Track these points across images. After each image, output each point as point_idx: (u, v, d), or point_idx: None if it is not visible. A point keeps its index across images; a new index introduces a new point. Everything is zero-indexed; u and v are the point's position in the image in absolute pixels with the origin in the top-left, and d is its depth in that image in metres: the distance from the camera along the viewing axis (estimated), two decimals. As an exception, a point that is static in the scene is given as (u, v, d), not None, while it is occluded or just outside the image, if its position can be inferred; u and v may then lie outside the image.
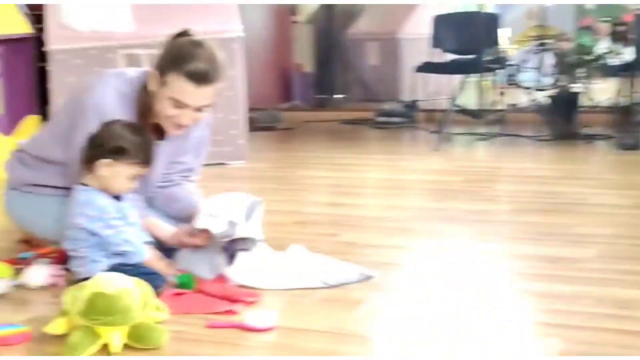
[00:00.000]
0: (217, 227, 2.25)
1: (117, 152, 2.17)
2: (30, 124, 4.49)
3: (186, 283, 2.23)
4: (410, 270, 2.45)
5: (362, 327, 1.93)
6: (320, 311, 2.06)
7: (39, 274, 2.31)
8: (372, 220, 3.16)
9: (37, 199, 2.57)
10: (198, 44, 2.27)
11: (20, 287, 2.30)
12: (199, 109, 2.29)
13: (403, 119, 6.56)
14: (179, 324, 1.96)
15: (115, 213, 2.20)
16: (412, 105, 6.47)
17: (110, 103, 2.31)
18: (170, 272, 2.24)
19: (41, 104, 4.62)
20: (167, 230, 2.40)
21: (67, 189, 2.44)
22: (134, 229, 2.25)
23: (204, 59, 2.24)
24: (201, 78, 2.23)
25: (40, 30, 4.56)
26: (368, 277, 2.31)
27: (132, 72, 2.42)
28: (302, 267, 2.35)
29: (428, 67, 6.23)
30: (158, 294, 2.07)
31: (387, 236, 2.87)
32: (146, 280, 2.00)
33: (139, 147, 2.19)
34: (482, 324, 1.96)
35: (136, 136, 2.20)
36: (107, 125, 2.22)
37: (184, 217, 2.48)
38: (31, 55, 4.62)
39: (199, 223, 2.29)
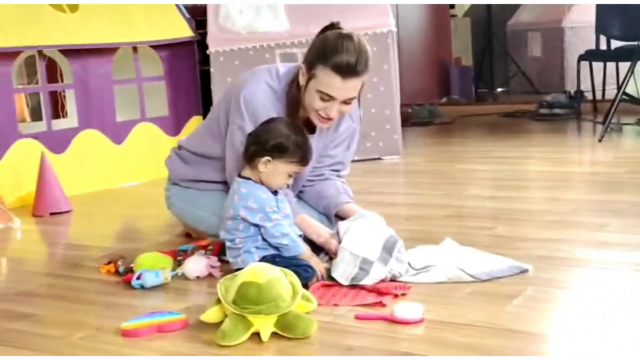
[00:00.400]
0: (348, 270, 2.19)
1: (278, 150, 2.21)
2: (194, 125, 4.68)
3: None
4: (568, 264, 2.33)
5: (514, 321, 1.85)
6: (471, 304, 2.00)
7: (197, 265, 2.40)
8: (531, 213, 3.04)
9: (196, 193, 2.68)
10: (345, 37, 2.27)
11: (180, 277, 2.40)
12: (345, 102, 2.29)
13: (567, 110, 6.29)
14: (329, 314, 1.97)
15: (274, 207, 2.25)
16: (576, 96, 6.18)
17: (262, 98, 2.37)
18: (321, 268, 2.26)
19: (205, 105, 4.81)
20: (316, 229, 2.41)
21: (224, 183, 2.53)
22: (288, 222, 2.28)
23: (351, 51, 2.24)
24: (347, 71, 2.23)
25: (201, 34, 4.76)
26: (523, 271, 2.22)
27: (283, 67, 2.47)
28: (453, 261, 2.30)
29: (593, 56, 5.96)
30: (307, 286, 2.10)
31: (546, 229, 2.76)
32: (296, 271, 2.02)
33: (298, 146, 2.23)
34: (646, 320, 1.83)
35: (297, 135, 2.24)
36: (269, 123, 2.27)
37: (329, 215, 2.50)
38: (194, 58, 4.83)
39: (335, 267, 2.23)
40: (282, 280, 1.91)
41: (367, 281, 2.15)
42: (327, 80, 2.25)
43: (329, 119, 2.34)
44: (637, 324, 1.81)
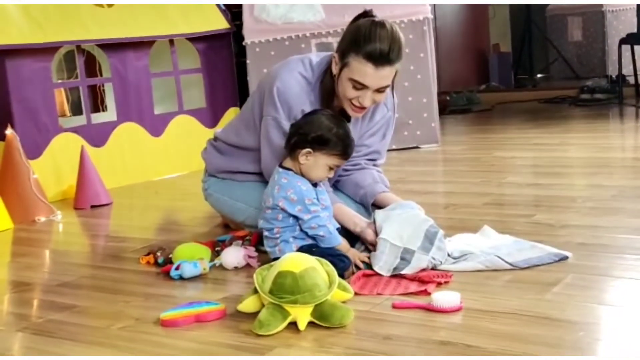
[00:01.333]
0: (389, 262, 2.18)
1: (319, 143, 2.20)
2: (231, 117, 4.69)
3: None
4: (609, 251, 2.28)
5: (554, 309, 1.83)
6: (510, 292, 1.98)
7: (235, 255, 2.41)
8: (571, 200, 3.00)
9: (233, 184, 2.69)
10: (378, 24, 2.25)
11: (218, 267, 2.41)
12: (378, 90, 2.28)
13: (608, 95, 6.19)
14: (366, 303, 1.97)
15: (314, 199, 2.25)
16: (618, 81, 6.07)
17: (295, 89, 2.36)
18: (357, 259, 2.25)
19: (241, 96, 4.83)
20: (352, 218, 2.40)
21: (261, 174, 2.53)
22: (327, 214, 2.28)
23: (384, 39, 2.22)
24: (380, 59, 2.22)
25: (237, 25, 4.78)
26: (562, 258, 2.19)
27: (316, 57, 2.46)
28: (491, 249, 2.27)
29: (635, 39, 5.85)
30: (343, 276, 2.10)
31: (587, 216, 2.71)
32: (332, 261, 2.02)
33: (340, 139, 2.22)
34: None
35: (338, 128, 2.22)
36: (312, 115, 2.26)
37: (366, 204, 2.49)
38: (230, 50, 4.85)
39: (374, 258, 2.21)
40: (318, 269, 1.91)
41: (408, 270, 2.14)
42: (360, 68, 2.23)
43: (362, 108, 2.33)
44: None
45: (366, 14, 2.32)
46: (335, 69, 2.32)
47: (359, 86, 2.26)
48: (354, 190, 2.56)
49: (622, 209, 2.77)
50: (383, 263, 2.17)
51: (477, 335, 1.71)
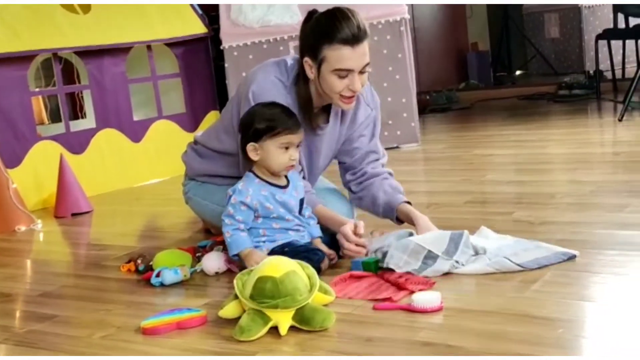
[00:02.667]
0: (410, 263, 2.16)
1: (258, 134, 2.22)
2: (211, 120, 4.69)
3: (369, 266, 2.21)
4: (588, 246, 2.29)
5: (534, 306, 1.84)
6: (490, 291, 1.98)
7: (216, 261, 2.41)
8: (551, 196, 3.01)
9: (213, 188, 2.69)
10: (335, 11, 2.28)
11: (199, 273, 2.41)
12: (362, 72, 2.28)
13: (586, 91, 6.24)
14: (347, 306, 1.97)
15: (265, 203, 2.24)
16: (595, 76, 6.12)
17: (271, 93, 2.35)
18: (328, 251, 2.27)
19: (221, 100, 4.82)
20: (333, 219, 2.40)
21: (240, 178, 2.53)
22: (276, 223, 2.27)
23: (347, 20, 2.24)
24: (354, 38, 2.23)
25: (215, 30, 4.77)
26: (571, 257, 2.16)
27: (291, 59, 2.46)
28: (495, 249, 2.24)
29: (611, 34, 5.89)
30: (320, 268, 2.12)
31: (566, 212, 2.73)
32: (306, 257, 2.04)
33: (273, 118, 2.21)
34: (668, 301, 1.81)
35: (268, 109, 2.23)
36: (246, 113, 2.28)
37: (392, 219, 2.51)
38: (208, 54, 4.84)
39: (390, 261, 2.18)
40: (299, 273, 1.91)
41: (429, 273, 2.11)
42: (339, 55, 2.24)
43: (353, 96, 2.32)
44: (658, 305, 1.79)
45: (314, 12, 2.33)
46: (311, 73, 2.32)
47: (344, 73, 2.26)
48: (373, 207, 2.55)
49: (601, 204, 2.79)
50: (397, 260, 2.14)
51: (458, 335, 1.72)
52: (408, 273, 2.12)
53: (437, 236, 2.22)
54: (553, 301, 1.87)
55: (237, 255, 2.23)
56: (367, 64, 2.30)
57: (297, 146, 2.26)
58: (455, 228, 2.48)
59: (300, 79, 2.37)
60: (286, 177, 2.32)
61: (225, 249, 2.50)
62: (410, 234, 2.29)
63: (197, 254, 2.55)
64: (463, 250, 2.18)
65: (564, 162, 3.84)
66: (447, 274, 2.13)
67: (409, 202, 2.49)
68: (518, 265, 2.11)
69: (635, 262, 2.11)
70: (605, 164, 3.62)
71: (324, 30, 2.25)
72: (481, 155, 4.26)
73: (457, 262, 2.15)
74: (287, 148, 2.23)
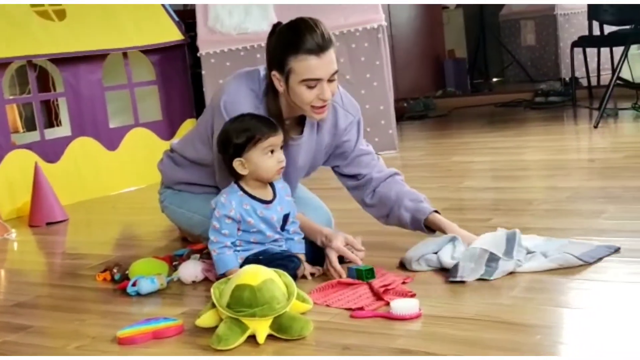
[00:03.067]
0: (476, 270, 2.14)
1: (239, 148, 2.20)
2: (188, 128, 4.66)
3: (360, 273, 2.19)
4: (566, 253, 2.31)
5: (512, 313, 1.84)
6: (468, 298, 1.99)
7: (193, 269, 2.39)
8: (528, 202, 3.02)
9: (189, 196, 2.67)
10: (297, 22, 2.26)
11: (176, 282, 2.39)
12: (330, 80, 2.27)
13: (562, 98, 6.29)
14: (324, 314, 1.96)
15: (247, 217, 2.22)
16: (571, 83, 6.17)
17: (243, 103, 2.33)
18: (312, 272, 2.28)
19: (198, 108, 4.80)
20: (313, 230, 2.39)
21: (218, 187, 2.51)
22: (254, 238, 2.25)
23: (311, 30, 2.22)
24: (319, 47, 2.21)
25: (192, 37, 4.75)
26: (616, 250, 2.22)
27: (263, 69, 2.44)
28: (533, 247, 2.27)
29: (586, 42, 5.93)
30: (296, 275, 2.13)
31: (543, 218, 2.74)
32: (281, 264, 2.05)
33: (250, 128, 2.19)
34: (645, 307, 1.81)
35: (240, 121, 2.22)
36: (221, 132, 2.26)
37: (418, 227, 2.49)
38: (185, 61, 4.82)
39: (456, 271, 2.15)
40: (276, 281, 1.89)
41: (498, 274, 2.11)
42: (306, 65, 2.22)
43: (324, 106, 2.30)
44: (633, 311, 1.79)
45: (278, 25, 2.31)
46: (280, 85, 2.29)
47: (313, 83, 2.24)
48: (380, 215, 2.54)
49: (577, 211, 2.81)
50: (469, 271, 2.11)
51: (436, 342, 1.71)
52: (388, 284, 2.09)
53: (495, 238, 2.24)
54: (531, 307, 1.88)
55: (224, 274, 2.20)
56: (336, 72, 2.28)
57: (281, 147, 2.25)
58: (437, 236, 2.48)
59: (270, 92, 2.35)
60: (274, 191, 2.30)
61: (202, 258, 2.49)
62: (453, 239, 2.30)
63: (174, 263, 2.53)
64: (518, 249, 2.21)
65: (541, 168, 3.86)
66: (425, 280, 2.13)
67: (436, 211, 2.48)
68: (578, 258, 2.14)
69: (612, 268, 2.12)
70: (581, 171, 3.64)
71: (288, 42, 2.23)
72: (458, 162, 4.27)
73: (519, 260, 2.17)
74: (272, 152, 2.22)
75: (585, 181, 3.36)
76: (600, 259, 2.17)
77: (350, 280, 2.18)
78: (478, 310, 1.87)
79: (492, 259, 2.15)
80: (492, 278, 2.09)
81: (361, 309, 1.96)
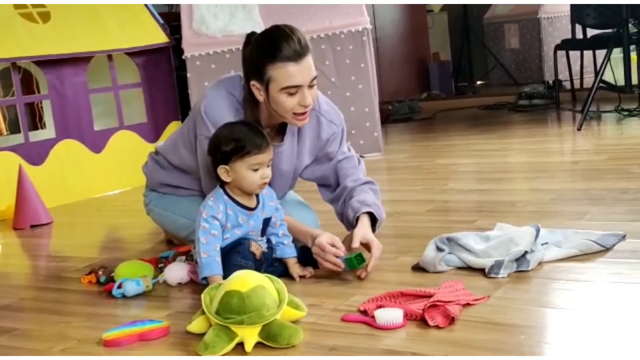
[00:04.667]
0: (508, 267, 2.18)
1: (227, 156, 2.18)
2: (173, 131, 4.65)
3: (351, 262, 2.19)
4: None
5: (496, 313, 1.85)
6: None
7: (178, 271, 2.39)
8: (512, 204, 3.05)
9: (174, 199, 2.67)
10: (273, 30, 2.26)
11: (162, 284, 2.38)
12: (310, 85, 2.27)
13: (546, 101, 6.33)
14: (311, 315, 1.96)
15: (226, 222, 2.22)
16: (554, 86, 6.21)
17: (223, 106, 2.33)
18: (256, 250, 2.26)
19: (183, 110, 4.80)
20: (301, 231, 2.39)
21: (203, 191, 2.50)
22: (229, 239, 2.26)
23: (288, 37, 2.22)
24: (296, 54, 2.21)
25: (177, 39, 4.75)
26: (623, 237, 2.35)
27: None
28: (550, 239, 2.36)
29: (569, 45, 5.98)
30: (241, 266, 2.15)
31: (527, 220, 2.75)
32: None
33: (242, 139, 2.18)
34: (625, 304, 1.83)
35: (235, 130, 2.20)
36: (213, 135, 2.25)
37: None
38: (170, 64, 4.81)
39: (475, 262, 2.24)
40: (267, 288, 1.86)
41: (532, 265, 2.16)
42: (285, 72, 2.22)
43: (306, 110, 2.30)
44: (616, 311, 1.81)
45: (252, 34, 2.31)
46: (260, 95, 2.28)
47: (293, 90, 2.24)
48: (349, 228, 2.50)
49: (560, 212, 2.83)
50: (503, 268, 2.15)
51: (422, 343, 1.72)
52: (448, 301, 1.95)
53: (525, 234, 2.29)
54: (515, 308, 1.89)
55: (206, 278, 2.18)
56: (315, 77, 2.28)
57: (268, 166, 2.24)
58: (418, 237, 2.50)
59: (248, 102, 2.34)
60: (258, 198, 2.29)
61: (187, 260, 2.49)
62: (487, 237, 2.37)
63: (159, 265, 2.53)
64: (536, 242, 2.28)
65: (525, 170, 3.89)
66: (414, 281, 2.14)
67: (373, 219, 2.43)
68: (598, 244, 2.27)
69: (595, 268, 2.14)
70: (564, 173, 3.67)
71: (265, 51, 2.23)
72: (443, 164, 4.29)
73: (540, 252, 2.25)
74: (257, 169, 2.21)
75: (568, 183, 3.38)
76: (613, 246, 2.28)
77: (411, 291, 2.02)
78: (462, 311, 1.88)
79: (524, 252, 2.21)
80: (529, 269, 2.15)
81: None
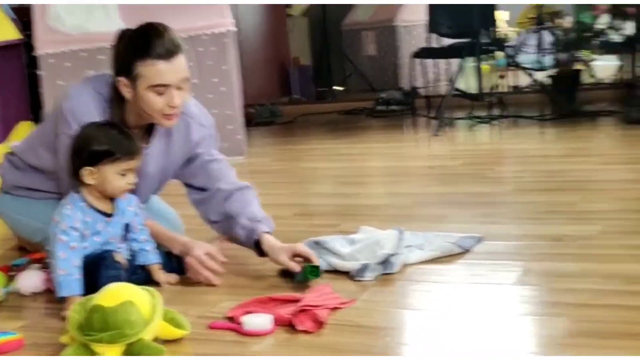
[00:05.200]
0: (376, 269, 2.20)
1: (97, 157, 2.10)
2: (23, 130, 4.44)
3: (309, 273, 2.14)
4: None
5: (362, 316, 1.88)
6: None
7: (33, 280, 2.27)
8: (374, 208, 3.11)
9: (29, 202, 2.54)
10: (145, 28, 2.20)
11: (14, 294, 2.26)
12: (180, 87, 2.22)
13: (402, 107, 6.51)
14: (177, 323, 1.91)
15: (85, 229, 2.13)
16: (411, 93, 6.40)
17: (88, 107, 2.24)
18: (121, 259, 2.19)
19: (34, 109, 4.58)
20: (166, 237, 2.34)
21: (60, 193, 2.39)
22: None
23: (160, 35, 2.17)
24: (168, 52, 2.16)
25: (29, 35, 4.53)
26: (480, 239, 2.42)
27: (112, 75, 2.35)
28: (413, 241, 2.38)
29: (425, 53, 6.17)
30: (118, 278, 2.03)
31: (389, 223, 2.79)
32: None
33: (116, 143, 2.11)
34: (483, 304, 1.90)
35: (109, 134, 2.12)
36: (80, 132, 2.15)
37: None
38: (21, 61, 4.59)
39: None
40: (137, 304, 1.75)
41: (396, 268, 2.19)
42: (154, 70, 2.16)
43: (174, 111, 2.23)
44: (474, 312, 1.88)
45: (127, 31, 2.25)
46: (128, 92, 2.21)
47: (162, 89, 2.18)
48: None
49: (422, 216, 2.91)
50: (370, 271, 2.17)
51: (290, 348, 1.72)
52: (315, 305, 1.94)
53: (390, 237, 2.34)
54: (380, 310, 1.93)
55: (63, 298, 2.06)
56: (186, 79, 2.24)
57: (134, 171, 2.17)
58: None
59: (115, 100, 2.26)
60: (116, 203, 2.20)
61: (42, 267, 2.37)
62: (352, 240, 2.40)
63: (11, 273, 2.39)
64: (400, 244, 2.31)
65: (384, 175, 3.98)
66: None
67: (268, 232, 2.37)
68: (457, 245, 2.35)
69: (453, 270, 2.22)
70: (423, 177, 3.78)
71: (137, 47, 2.17)
72: (306, 168, 4.33)
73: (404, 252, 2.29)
74: (124, 175, 2.13)
75: (427, 187, 3.49)
76: (471, 247, 2.36)
77: (280, 296, 2.02)
78: (331, 314, 1.89)
79: (390, 255, 2.24)
80: (394, 271, 2.19)
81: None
